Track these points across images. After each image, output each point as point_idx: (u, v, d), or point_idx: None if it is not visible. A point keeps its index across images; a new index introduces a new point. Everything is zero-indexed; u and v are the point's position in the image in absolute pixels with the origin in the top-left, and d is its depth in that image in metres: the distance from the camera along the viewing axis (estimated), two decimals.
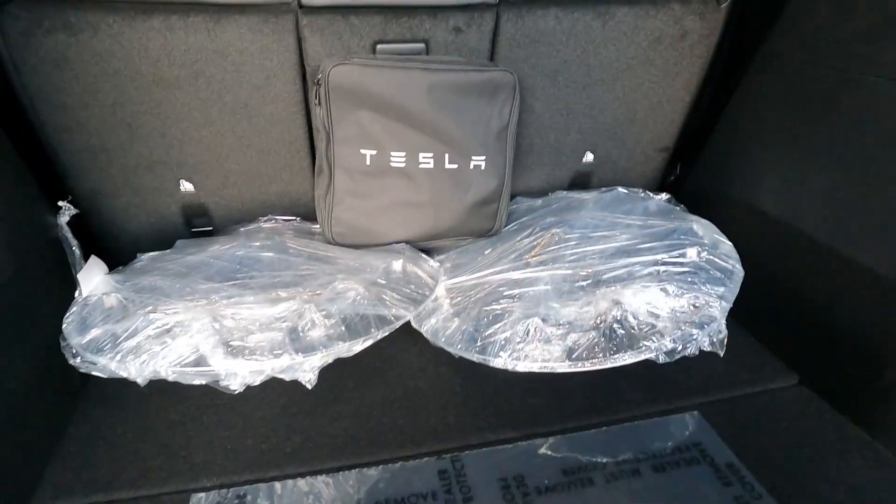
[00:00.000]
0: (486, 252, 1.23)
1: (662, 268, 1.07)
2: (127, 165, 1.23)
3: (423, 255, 1.23)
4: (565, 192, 1.46)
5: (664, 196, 1.39)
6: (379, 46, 1.20)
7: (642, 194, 1.42)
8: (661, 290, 1.02)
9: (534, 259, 1.15)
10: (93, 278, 1.04)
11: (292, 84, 1.21)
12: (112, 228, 1.32)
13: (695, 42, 1.30)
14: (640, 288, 1.02)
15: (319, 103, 1.14)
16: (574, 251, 1.15)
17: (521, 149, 1.38)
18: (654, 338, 0.95)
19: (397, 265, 1.12)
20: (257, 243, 1.12)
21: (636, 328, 0.97)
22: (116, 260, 1.32)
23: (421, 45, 1.22)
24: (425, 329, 1.08)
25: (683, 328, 0.96)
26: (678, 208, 1.34)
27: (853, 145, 1.04)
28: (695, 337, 0.95)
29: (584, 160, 1.48)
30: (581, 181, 1.53)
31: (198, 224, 1.38)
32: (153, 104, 1.17)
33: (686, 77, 1.35)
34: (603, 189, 1.43)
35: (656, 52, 1.30)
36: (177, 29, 1.09)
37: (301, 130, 1.28)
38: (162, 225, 1.35)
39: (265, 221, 1.38)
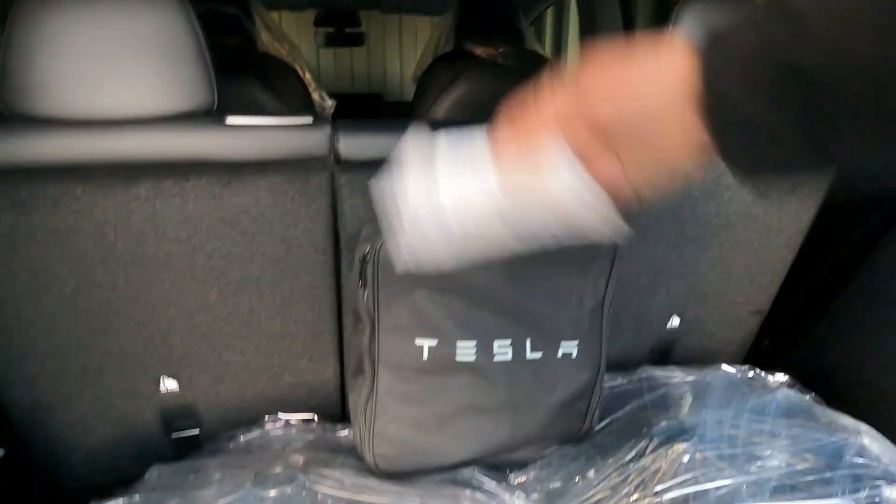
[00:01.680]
0: (588, 475, 0.90)
1: None
2: (87, 367, 0.90)
3: (505, 493, 0.88)
4: (654, 370, 1.17)
5: (782, 378, 1.11)
6: None
7: (751, 374, 1.14)
8: None
9: (666, 497, 0.82)
10: None
11: (321, 254, 0.93)
12: (62, 447, 0.96)
13: (805, 195, 1.09)
14: None
15: (365, 285, 0.85)
16: (718, 484, 0.83)
17: None
18: None
19: None
20: (273, 492, 0.77)
21: None
22: (64, 491, 0.95)
23: None
24: None
25: None
26: (809, 398, 1.05)
27: None
28: None
29: (668, 326, 1.22)
30: (664, 348, 1.26)
31: (181, 426, 1.03)
32: (130, 289, 0.86)
33: (791, 233, 1.14)
34: (705, 369, 1.15)
35: (761, 205, 1.09)
36: (170, 196, 0.80)
37: (328, 307, 0.98)
38: (132, 434, 1.00)
39: (271, 423, 1.03)
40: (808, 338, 1.22)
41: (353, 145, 0.87)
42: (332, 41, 2.89)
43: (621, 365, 1.22)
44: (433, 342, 0.88)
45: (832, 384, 1.10)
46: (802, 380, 1.13)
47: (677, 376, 1.13)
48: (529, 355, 0.92)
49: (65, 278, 0.81)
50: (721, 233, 1.11)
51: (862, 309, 1.13)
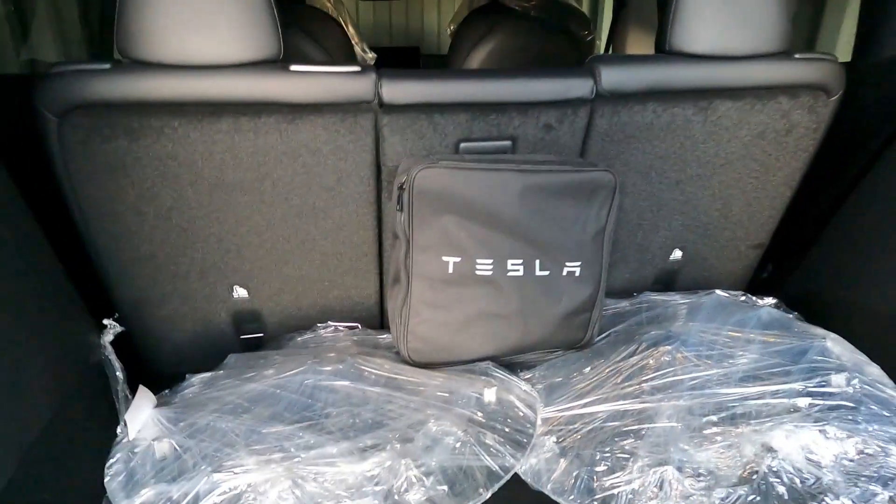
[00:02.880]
0: (584, 371, 1.07)
1: (808, 400, 0.91)
2: (177, 273, 1.11)
3: (513, 378, 1.07)
4: (654, 295, 1.31)
5: (771, 301, 1.25)
6: (462, 145, 1.09)
7: (743, 298, 1.27)
8: (819, 430, 0.85)
9: (646, 385, 0.99)
10: (140, 415, 0.89)
11: (366, 185, 1.10)
12: (155, 338, 1.19)
13: (801, 136, 1.19)
14: (792, 428, 0.86)
15: (402, 209, 1.02)
16: (693, 375, 0.99)
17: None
18: (825, 497, 0.78)
19: (490, 395, 0.97)
20: (328, 368, 0.97)
21: (799, 483, 0.80)
22: (159, 372, 1.17)
23: (507, 143, 1.11)
24: (524, 470, 0.91)
25: (860, 484, 0.79)
26: (792, 316, 1.19)
27: None
28: (878, 496, 0.78)
29: (671, 258, 1.35)
30: (666, 278, 1.39)
31: (248, 330, 1.24)
32: (213, 209, 1.05)
33: (788, 172, 1.24)
34: (700, 292, 1.29)
35: (758, 146, 1.20)
36: (246, 131, 0.98)
37: (371, 232, 1.16)
38: (209, 332, 1.21)
39: (324, 329, 1.24)
40: (801, 267, 1.33)
41: (395, 91, 1.02)
42: None
43: (626, 292, 1.37)
44: (457, 259, 1.05)
45: (816, 305, 1.22)
46: (792, 303, 1.26)
47: (675, 299, 1.28)
48: (538, 272, 1.08)
49: (163, 197, 1.01)
50: (721, 171, 1.22)
51: (842, 240, 1.24)
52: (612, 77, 1.07)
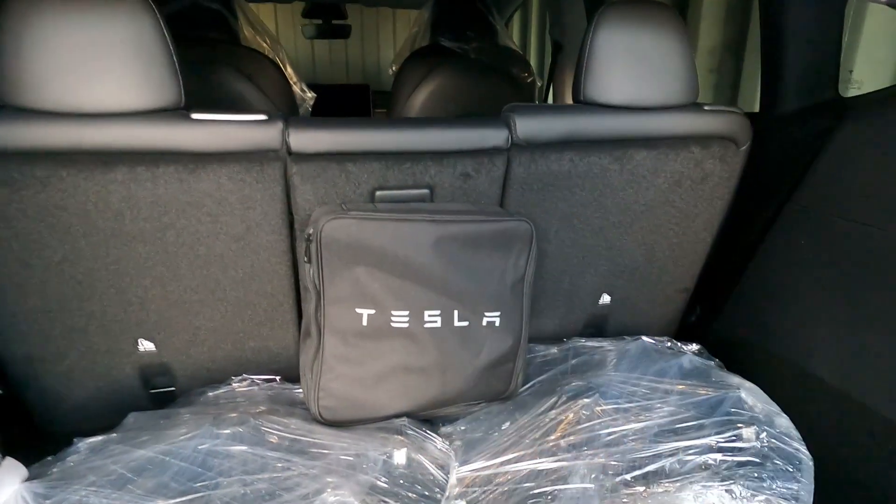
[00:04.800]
0: (503, 427, 1.04)
1: (719, 456, 0.90)
2: (74, 327, 1.04)
3: (429, 434, 1.03)
4: (583, 341, 1.30)
5: (694, 347, 1.25)
6: (378, 193, 1.07)
7: (669, 344, 1.27)
8: (726, 490, 0.84)
9: (563, 441, 0.96)
10: (3, 492, 0.81)
11: (277, 234, 1.06)
12: (53, 397, 1.11)
13: (715, 184, 1.21)
14: (700, 489, 0.84)
15: (310, 261, 0.99)
16: (610, 430, 0.97)
17: (532, 293, 1.24)
18: None
19: (400, 456, 0.92)
20: (227, 430, 0.91)
21: None
22: (53, 435, 1.09)
23: (425, 192, 1.09)
24: None
25: None
26: (714, 363, 1.19)
27: None
28: None
29: (600, 302, 1.34)
30: (597, 323, 1.38)
31: (158, 384, 1.17)
32: (110, 260, 0.99)
33: (706, 218, 1.26)
34: (626, 338, 1.28)
35: (676, 193, 1.21)
36: (143, 181, 0.94)
37: (286, 281, 1.12)
38: (114, 388, 1.14)
39: (238, 382, 1.18)
40: (723, 312, 1.35)
41: (303, 139, 1.00)
42: (319, 33, 3.01)
43: (557, 337, 1.35)
44: (371, 311, 1.01)
45: (735, 351, 1.23)
46: (714, 349, 1.26)
47: (603, 346, 1.27)
48: (457, 323, 1.05)
49: (53, 248, 0.95)
50: (642, 217, 1.23)
51: (756, 287, 1.26)
52: (527, 127, 1.08)
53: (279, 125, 0.98)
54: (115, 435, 0.95)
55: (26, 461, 0.90)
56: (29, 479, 0.84)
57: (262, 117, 0.98)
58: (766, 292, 1.21)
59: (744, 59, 1.98)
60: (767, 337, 1.18)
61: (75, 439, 0.95)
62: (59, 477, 0.84)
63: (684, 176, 1.19)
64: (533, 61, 3.26)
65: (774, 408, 1.01)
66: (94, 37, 0.87)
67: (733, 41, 2.06)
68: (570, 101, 1.17)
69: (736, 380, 1.08)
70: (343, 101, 2.86)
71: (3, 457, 0.84)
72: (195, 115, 0.95)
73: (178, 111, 0.94)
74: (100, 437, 0.94)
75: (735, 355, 1.21)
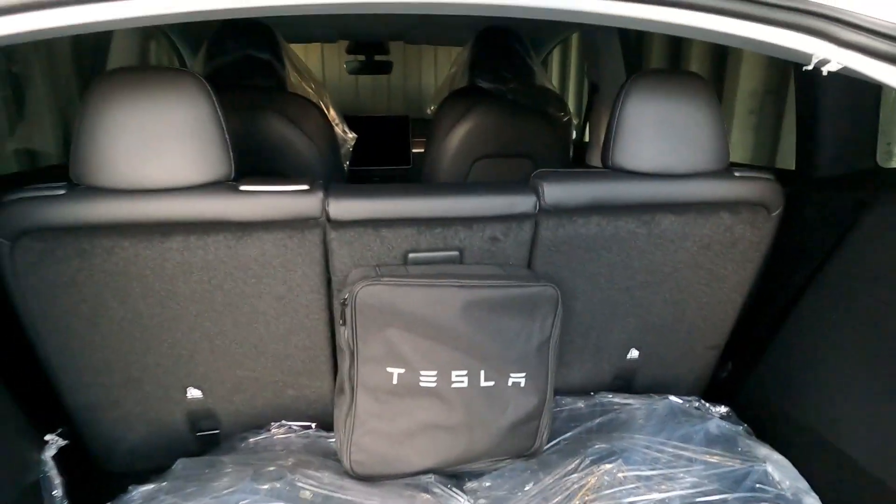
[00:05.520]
0: (526, 488, 1.07)
1: None
2: (130, 378, 1.13)
3: (455, 492, 1.07)
4: (611, 396, 1.31)
5: (722, 410, 1.24)
6: (411, 256, 1.12)
7: (696, 405, 1.27)
8: None
9: None
10: None
11: (316, 293, 1.13)
12: (109, 440, 1.21)
13: (746, 248, 1.21)
14: None
15: (345, 323, 1.05)
16: (632, 499, 0.98)
17: (560, 346, 1.26)
18: None
19: None
20: (265, 486, 0.98)
21: None
22: (110, 475, 1.17)
23: (455, 254, 1.14)
24: None
25: None
26: (741, 428, 1.18)
27: None
28: None
29: (628, 356, 1.36)
30: (625, 376, 1.39)
31: (204, 427, 1.25)
32: (164, 318, 1.08)
33: (737, 280, 1.26)
34: (654, 396, 1.29)
35: (705, 256, 1.22)
36: (196, 248, 1.02)
37: (322, 335, 1.18)
38: (164, 431, 1.23)
39: (277, 428, 1.25)
40: (754, 374, 1.34)
41: (342, 208, 1.06)
42: (362, 68, 3.11)
43: (584, 390, 1.37)
44: (401, 370, 1.07)
45: (764, 417, 1.22)
46: (743, 411, 1.25)
47: (630, 403, 1.28)
48: (483, 383, 1.09)
49: (114, 309, 1.04)
50: (670, 279, 1.24)
51: (787, 353, 1.24)
52: (555, 193, 1.11)
53: (319, 195, 1.05)
54: (165, 484, 1.03)
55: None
56: None
57: (304, 187, 1.05)
58: (797, 359, 1.20)
59: (786, 101, 1.96)
60: (797, 406, 1.16)
61: (130, 487, 1.04)
62: None
63: (713, 240, 1.20)
64: (571, 98, 3.28)
65: (803, 485, 1.00)
66: (158, 119, 0.96)
67: (775, 83, 2.04)
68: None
69: (763, 451, 1.08)
70: (383, 133, 2.95)
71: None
72: (243, 187, 1.02)
73: (228, 183, 1.02)
74: (152, 486, 1.02)
75: (764, 421, 1.20)
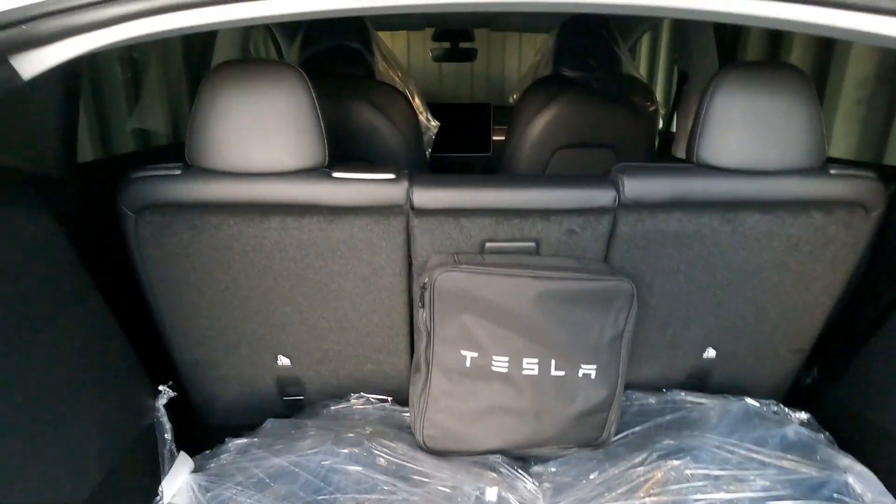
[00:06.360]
0: (591, 476, 1.09)
1: None
2: (229, 342, 1.25)
3: (521, 473, 1.11)
4: (683, 394, 1.30)
5: (803, 416, 1.20)
6: (488, 245, 1.16)
7: (775, 409, 1.23)
8: None
9: (649, 500, 0.99)
10: (177, 480, 1.02)
11: (398, 276, 1.19)
12: (209, 397, 1.34)
13: (838, 249, 1.15)
14: None
15: (423, 306, 1.11)
16: (698, 497, 0.98)
17: (634, 341, 1.26)
18: None
19: (492, 494, 1.01)
20: (345, 450, 1.06)
21: None
22: (208, 429, 1.30)
23: (531, 245, 1.17)
24: None
25: None
26: (822, 437, 1.14)
27: None
28: None
29: (704, 355, 1.33)
30: (700, 375, 1.37)
31: (290, 392, 1.36)
32: (261, 291, 1.18)
33: (826, 283, 1.20)
34: (729, 397, 1.26)
35: (793, 257, 1.17)
36: (291, 229, 1.11)
37: (402, 315, 1.25)
38: (255, 393, 1.35)
39: (356, 398, 1.34)
40: (841, 381, 1.27)
41: (425, 196, 1.11)
42: (446, 56, 3.15)
43: (656, 386, 1.36)
44: (474, 354, 1.12)
45: (849, 427, 1.16)
46: (827, 420, 1.20)
47: (703, 403, 1.26)
48: (553, 372, 1.12)
49: (218, 279, 1.16)
50: (753, 279, 1.21)
51: (881, 361, 1.17)
52: (636, 187, 1.11)
53: (405, 184, 1.10)
54: (256, 440, 1.14)
55: (190, 452, 1.12)
56: (194, 470, 1.04)
57: (391, 176, 1.11)
58: (890, 368, 1.13)
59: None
60: (887, 416, 1.11)
61: (227, 439, 1.16)
62: (214, 472, 1.04)
63: (802, 240, 1.15)
64: (660, 86, 3.16)
65: (889, 499, 0.96)
66: (263, 109, 1.05)
67: (888, 70, 1.88)
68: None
69: (845, 460, 1.04)
70: (464, 120, 2.98)
71: (178, 451, 1.05)
72: (335, 174, 1.10)
73: (322, 170, 1.10)
74: (245, 440, 1.14)
75: (849, 431, 1.15)
